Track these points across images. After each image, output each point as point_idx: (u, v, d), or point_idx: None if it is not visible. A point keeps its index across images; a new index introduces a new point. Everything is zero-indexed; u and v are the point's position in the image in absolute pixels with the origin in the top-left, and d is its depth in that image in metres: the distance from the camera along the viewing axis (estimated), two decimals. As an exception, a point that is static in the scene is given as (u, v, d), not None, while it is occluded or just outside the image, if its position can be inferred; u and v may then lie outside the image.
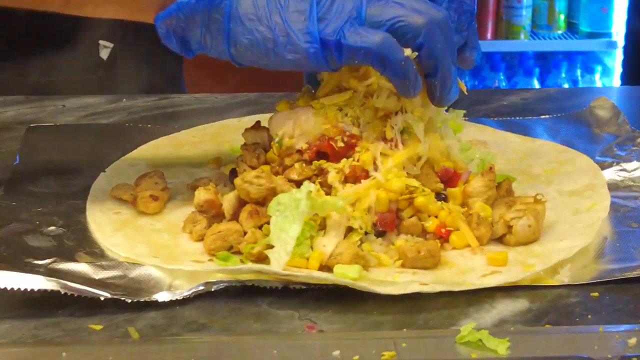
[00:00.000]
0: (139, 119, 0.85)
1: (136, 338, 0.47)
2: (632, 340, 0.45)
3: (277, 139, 0.62)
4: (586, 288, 0.52)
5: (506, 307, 0.51)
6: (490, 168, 0.61)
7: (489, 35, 2.67)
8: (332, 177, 0.58)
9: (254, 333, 0.48)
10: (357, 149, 0.59)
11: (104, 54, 1.00)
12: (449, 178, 0.61)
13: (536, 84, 2.75)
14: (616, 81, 2.72)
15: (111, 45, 1.01)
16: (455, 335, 0.46)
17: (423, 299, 0.51)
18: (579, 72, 2.74)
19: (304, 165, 0.60)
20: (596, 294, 0.52)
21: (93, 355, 0.46)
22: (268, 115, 0.67)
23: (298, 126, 0.61)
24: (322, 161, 0.60)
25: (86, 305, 0.50)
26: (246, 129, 0.66)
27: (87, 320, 0.49)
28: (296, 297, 0.52)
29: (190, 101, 0.92)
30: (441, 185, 0.60)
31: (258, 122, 0.67)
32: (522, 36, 2.65)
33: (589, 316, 0.49)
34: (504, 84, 2.85)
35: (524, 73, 2.86)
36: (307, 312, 0.50)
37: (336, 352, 0.45)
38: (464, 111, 0.71)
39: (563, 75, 2.72)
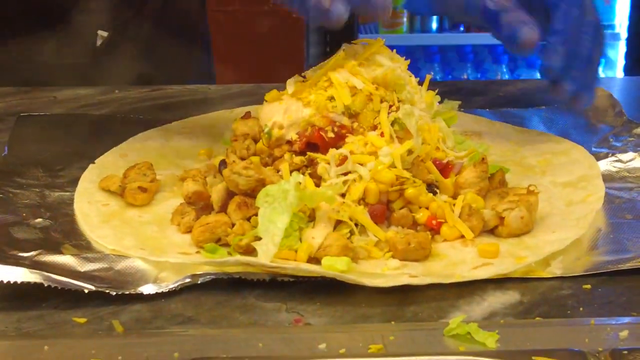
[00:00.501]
0: (131, 110, 0.84)
1: (120, 331, 0.46)
2: (624, 333, 0.45)
3: (266, 130, 0.61)
4: (578, 280, 0.51)
5: (497, 300, 0.50)
6: (483, 159, 0.60)
7: (491, 28, 2.65)
8: (322, 168, 0.58)
9: (240, 326, 0.48)
10: (347, 139, 0.59)
11: (99, 41, 0.99)
12: (441, 169, 0.60)
13: (539, 76, 2.73)
14: (619, 73, 2.71)
15: (106, 34, 1.00)
16: (444, 328, 0.45)
17: (412, 291, 0.50)
18: (581, 63, 2.72)
19: (293, 156, 0.59)
20: (588, 286, 0.51)
21: (76, 348, 0.45)
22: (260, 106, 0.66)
23: (288, 117, 0.61)
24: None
25: (70, 298, 0.49)
26: (236, 120, 0.66)
27: (70, 313, 0.48)
28: (284, 290, 0.51)
29: (183, 93, 0.90)
30: (432, 177, 0.59)
31: (248, 113, 0.66)
32: (526, 28, 2.63)
33: (581, 309, 0.49)
34: (506, 76, 2.84)
35: (526, 65, 2.85)
36: (295, 305, 0.49)
37: (322, 345, 0.44)
38: (459, 102, 0.70)
39: (566, 67, 2.70)
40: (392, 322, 0.48)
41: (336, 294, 0.50)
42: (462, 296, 0.50)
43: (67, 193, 0.63)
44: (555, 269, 0.52)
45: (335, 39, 2.23)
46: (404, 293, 0.50)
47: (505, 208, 0.56)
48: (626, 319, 0.47)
